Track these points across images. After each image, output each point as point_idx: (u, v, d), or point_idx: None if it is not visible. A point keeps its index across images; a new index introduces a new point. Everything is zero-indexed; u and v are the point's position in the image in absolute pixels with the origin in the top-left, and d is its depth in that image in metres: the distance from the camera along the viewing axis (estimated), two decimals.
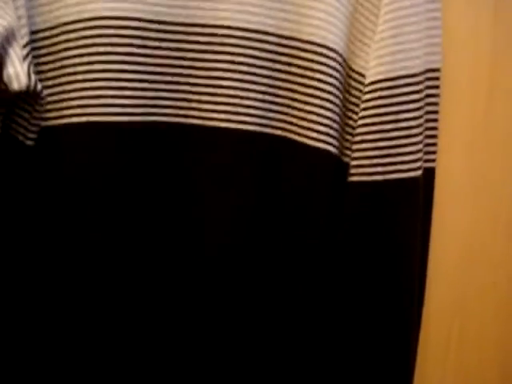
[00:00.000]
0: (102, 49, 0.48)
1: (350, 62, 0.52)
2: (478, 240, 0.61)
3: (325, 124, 0.50)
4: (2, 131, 0.49)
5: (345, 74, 0.51)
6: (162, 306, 0.51)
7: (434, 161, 0.55)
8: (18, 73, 0.46)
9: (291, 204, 0.52)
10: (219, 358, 0.52)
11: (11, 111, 0.49)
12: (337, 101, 0.51)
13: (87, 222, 0.50)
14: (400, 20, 0.49)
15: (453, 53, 0.56)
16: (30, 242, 0.50)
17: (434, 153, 0.54)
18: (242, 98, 0.50)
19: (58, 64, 0.50)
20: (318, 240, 0.52)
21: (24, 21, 0.48)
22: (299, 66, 0.50)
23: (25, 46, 0.48)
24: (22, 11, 0.48)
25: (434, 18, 0.53)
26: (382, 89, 0.49)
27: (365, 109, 0.50)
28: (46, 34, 0.50)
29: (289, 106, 0.51)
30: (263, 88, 0.51)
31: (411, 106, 0.50)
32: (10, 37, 0.46)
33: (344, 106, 0.52)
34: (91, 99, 0.49)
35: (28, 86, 0.47)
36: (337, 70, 0.50)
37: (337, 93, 0.51)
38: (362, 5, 0.51)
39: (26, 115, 0.49)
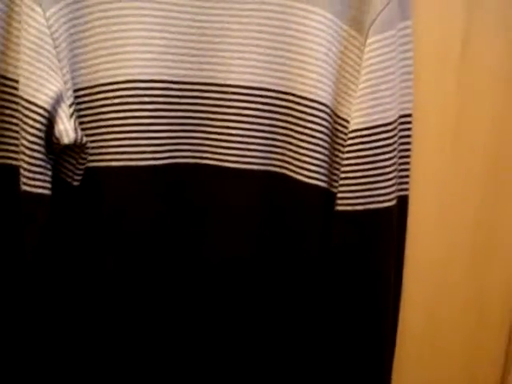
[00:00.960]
0: (133, 106, 0.59)
1: (336, 111, 0.62)
2: (446, 258, 0.73)
3: (315, 164, 0.62)
4: (53, 174, 0.60)
5: (332, 122, 0.62)
6: (179, 313, 0.64)
7: (407, 189, 0.66)
8: (67, 129, 0.57)
9: (289, 228, 0.64)
10: (220, 357, 0.65)
11: (61, 158, 0.61)
12: (325, 144, 0.62)
13: (123, 243, 0.62)
14: (377, 79, 0.59)
15: (422, 99, 0.67)
16: (79, 256, 0.63)
17: (406, 183, 0.66)
18: (247, 143, 0.62)
19: (97, 117, 0.60)
20: (311, 258, 0.63)
21: (69, 84, 0.59)
22: (295, 117, 0.61)
23: (70, 106, 0.58)
24: (68, 77, 0.59)
25: (408, 72, 0.63)
26: (362, 136, 0.60)
27: (348, 151, 0.61)
28: (86, 92, 0.60)
29: (286, 149, 0.62)
30: (265, 134, 0.62)
31: (386, 149, 0.61)
32: (59, 99, 0.57)
33: (332, 146, 0.63)
34: (126, 147, 0.60)
35: (75, 139, 0.58)
36: (325, 120, 0.61)
37: (325, 138, 0.62)
38: (346, 63, 0.62)
39: (73, 161, 0.60)
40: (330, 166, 0.63)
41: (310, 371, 0.65)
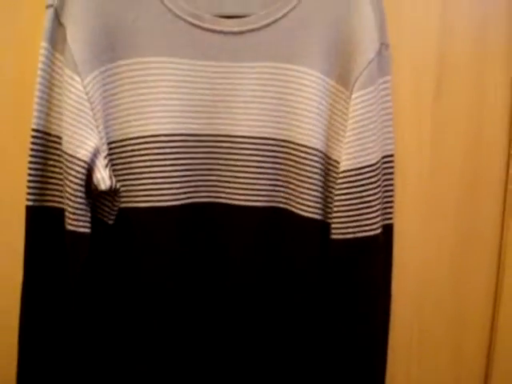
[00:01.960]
0: (157, 156, 0.71)
1: (328, 154, 0.73)
2: (428, 275, 0.84)
3: (312, 200, 0.73)
4: (92, 215, 0.71)
5: (325, 163, 0.73)
6: (203, 321, 0.76)
7: (391, 218, 0.77)
8: (104, 177, 0.69)
9: (292, 254, 0.75)
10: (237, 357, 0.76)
11: (98, 201, 0.72)
12: (320, 183, 0.73)
13: (152, 270, 0.73)
14: (361, 128, 0.70)
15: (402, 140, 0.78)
16: (116, 283, 0.74)
17: (391, 212, 0.77)
18: (254, 184, 0.73)
19: (127, 166, 0.72)
20: (311, 278, 0.74)
21: (104, 139, 0.70)
22: (293, 161, 0.73)
23: (105, 157, 0.70)
24: (102, 133, 0.70)
25: (388, 119, 0.75)
26: (350, 176, 0.71)
27: (339, 189, 0.71)
28: (118, 144, 0.72)
29: (287, 188, 0.74)
30: (269, 176, 0.73)
31: (371, 186, 0.71)
32: (96, 153, 0.69)
33: (326, 184, 0.74)
34: (151, 191, 0.71)
35: (110, 186, 0.69)
36: (319, 163, 0.72)
37: (320, 178, 0.73)
38: (335, 113, 0.73)
39: (108, 203, 0.72)
40: (325, 201, 0.74)
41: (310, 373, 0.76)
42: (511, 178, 0.81)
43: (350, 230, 0.72)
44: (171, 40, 0.71)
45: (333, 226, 0.72)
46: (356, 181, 0.71)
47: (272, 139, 0.73)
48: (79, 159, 0.68)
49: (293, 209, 0.74)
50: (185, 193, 0.73)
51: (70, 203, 0.68)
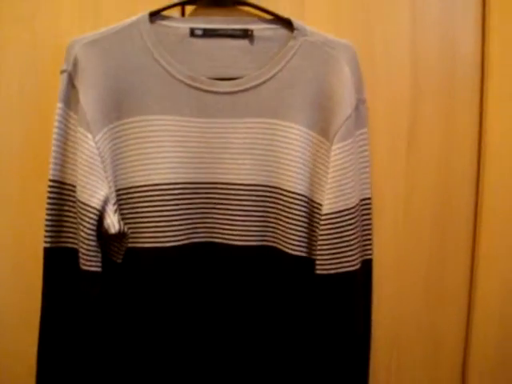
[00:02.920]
0: (159, 203, 0.80)
1: (313, 198, 0.82)
2: (404, 302, 0.92)
3: (298, 240, 0.81)
4: (103, 255, 0.80)
5: (310, 206, 0.82)
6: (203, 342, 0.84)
7: (370, 254, 0.86)
8: (113, 222, 0.78)
9: (280, 287, 0.83)
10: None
11: (108, 242, 0.81)
12: (305, 224, 0.82)
13: (156, 302, 0.82)
14: (340, 176, 0.79)
15: (378, 184, 0.87)
16: (125, 313, 0.82)
17: (370, 249, 0.86)
18: (246, 225, 0.82)
19: (133, 211, 0.81)
20: (299, 308, 0.83)
21: (113, 188, 0.79)
22: (281, 205, 0.82)
23: (114, 204, 0.79)
24: (111, 183, 0.79)
25: (366, 166, 0.84)
26: (331, 218, 0.80)
27: (322, 230, 0.80)
28: (125, 191, 0.81)
29: (276, 229, 0.83)
30: (259, 219, 0.82)
31: (350, 227, 0.80)
32: (106, 200, 0.78)
33: (310, 225, 0.83)
34: (155, 233, 0.80)
35: (119, 229, 0.78)
36: (304, 206, 0.81)
37: (305, 220, 0.82)
38: (318, 161, 0.81)
39: (117, 244, 0.81)
40: (310, 239, 0.83)
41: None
42: (479, 218, 0.90)
43: (333, 266, 0.81)
44: (171, 100, 0.80)
45: (317, 262, 0.81)
46: (336, 222, 0.80)
47: (262, 185, 0.82)
48: (92, 207, 0.76)
49: (281, 247, 0.83)
50: (185, 234, 0.82)
51: (84, 246, 0.77)
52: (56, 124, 0.79)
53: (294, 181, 0.81)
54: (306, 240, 0.83)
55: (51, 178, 0.80)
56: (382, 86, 0.88)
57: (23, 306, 0.89)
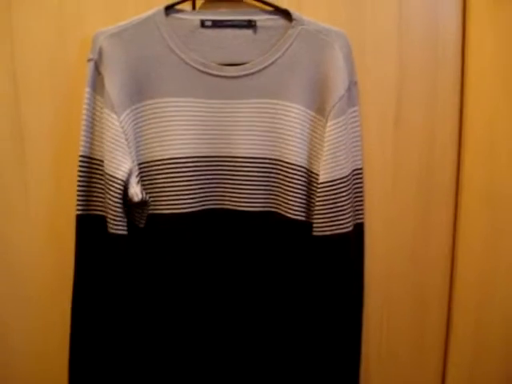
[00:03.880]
0: (176, 174, 0.91)
1: (310, 169, 0.93)
2: (392, 264, 1.04)
3: (297, 205, 0.93)
4: (128, 220, 0.92)
5: (308, 176, 0.93)
6: (211, 306, 0.96)
7: (362, 218, 0.98)
8: (136, 192, 0.90)
9: (281, 247, 0.95)
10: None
11: (132, 209, 0.93)
12: (304, 192, 0.93)
13: (174, 262, 0.94)
14: (335, 149, 0.90)
15: (369, 157, 0.98)
16: (147, 271, 0.94)
17: (361, 213, 0.97)
18: (252, 193, 0.93)
19: (153, 182, 0.92)
20: (297, 266, 0.95)
21: (135, 162, 0.91)
22: (283, 175, 0.93)
23: (137, 176, 0.91)
24: (134, 157, 0.91)
25: (357, 140, 0.95)
26: (326, 186, 0.91)
27: (318, 196, 0.91)
28: (146, 165, 0.92)
29: (278, 196, 0.94)
30: (264, 187, 0.94)
31: (343, 194, 0.91)
32: (130, 173, 0.89)
33: (308, 192, 0.94)
34: (173, 201, 0.92)
35: (142, 198, 0.90)
36: (303, 176, 0.92)
37: (303, 188, 0.93)
38: (315, 137, 0.92)
39: (140, 211, 0.93)
40: (308, 205, 0.94)
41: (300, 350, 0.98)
42: (460, 186, 1.02)
43: (328, 229, 0.92)
44: (185, 84, 0.91)
45: (314, 225, 0.92)
46: (331, 190, 0.91)
47: (265, 158, 0.93)
48: (118, 179, 0.88)
49: (283, 212, 0.94)
50: (198, 201, 0.93)
51: (111, 212, 0.89)
52: (84, 106, 0.90)
53: (294, 154, 0.92)
54: (304, 206, 0.94)
55: (81, 153, 0.91)
56: (371, 70, 0.98)
57: (59, 266, 1.01)
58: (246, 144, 0.93)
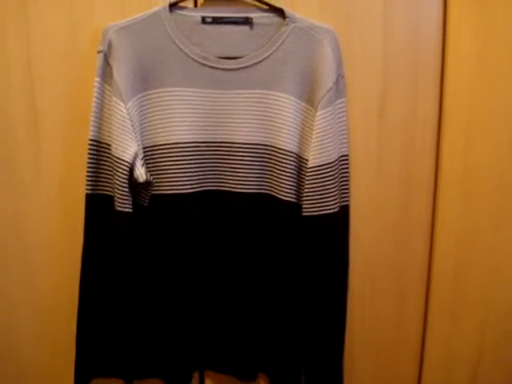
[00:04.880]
0: (177, 158, 1.00)
1: (300, 155, 1.02)
2: (376, 241, 1.13)
3: (288, 188, 1.01)
4: (133, 199, 1.00)
5: (298, 161, 1.02)
6: (210, 274, 1.06)
7: (347, 201, 1.06)
8: (141, 173, 0.98)
9: (273, 226, 1.04)
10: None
11: (137, 189, 1.02)
12: (294, 175, 1.01)
13: (175, 238, 1.03)
14: (323, 137, 0.98)
15: (354, 145, 1.07)
16: (150, 246, 1.03)
17: (346, 196, 1.06)
18: (247, 176, 1.02)
19: (156, 164, 1.01)
20: (288, 242, 1.04)
21: (140, 146, 0.99)
22: (275, 160, 1.01)
23: (142, 159, 0.99)
24: (139, 142, 0.99)
25: (343, 129, 1.03)
26: (314, 170, 0.99)
27: (307, 180, 0.99)
28: (149, 149, 1.01)
29: (271, 179, 1.03)
30: (258, 171, 1.02)
31: (330, 177, 1.00)
32: (136, 156, 0.98)
33: (299, 176, 1.02)
34: (173, 182, 1.01)
35: (146, 179, 0.99)
36: (294, 161, 1.01)
37: (294, 172, 1.01)
38: (305, 125, 1.00)
39: (144, 191, 1.01)
40: (298, 188, 1.03)
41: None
42: (438, 174, 1.10)
43: (316, 209, 1.01)
44: (186, 75, 0.99)
45: (303, 206, 1.01)
46: (319, 174, 0.99)
47: (259, 144, 1.02)
48: (124, 161, 0.96)
49: (275, 194, 1.03)
50: (197, 183, 1.02)
51: (118, 191, 0.97)
52: (94, 95, 0.98)
53: (286, 140, 1.01)
54: (295, 188, 1.03)
55: (91, 138, 1.00)
56: (357, 64, 1.06)
57: (68, 241, 1.10)
58: (241, 131, 1.01)
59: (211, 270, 1.06)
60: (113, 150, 0.97)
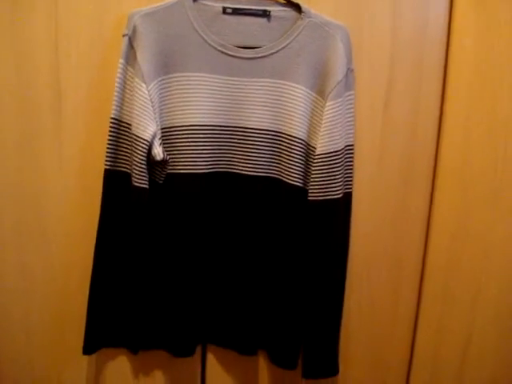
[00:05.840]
0: (193, 139, 1.06)
1: (309, 142, 1.08)
2: (377, 226, 1.20)
3: (296, 173, 1.08)
4: (150, 178, 1.06)
5: (306, 148, 1.08)
6: (215, 259, 1.12)
7: (350, 188, 1.13)
8: (159, 152, 1.04)
9: (281, 208, 1.10)
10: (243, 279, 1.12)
11: (153, 167, 1.07)
12: (302, 161, 1.07)
13: (187, 214, 1.09)
14: (331, 126, 1.04)
15: (359, 136, 1.13)
16: (164, 222, 1.09)
17: (350, 184, 1.12)
18: (258, 160, 1.08)
19: (173, 145, 1.06)
20: (294, 224, 1.10)
21: (159, 126, 1.05)
22: (285, 146, 1.07)
23: (160, 138, 1.05)
24: (158, 122, 1.05)
25: (351, 120, 1.10)
26: (322, 158, 1.05)
27: (314, 166, 1.06)
28: (167, 130, 1.06)
29: (280, 164, 1.09)
30: (268, 155, 1.08)
31: (336, 165, 1.06)
32: (154, 135, 1.03)
33: (306, 162, 1.08)
34: (188, 162, 1.06)
35: (163, 158, 1.04)
36: (302, 148, 1.07)
37: (302, 158, 1.08)
38: (314, 115, 1.07)
39: (160, 169, 1.07)
40: (305, 174, 1.09)
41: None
42: (437, 167, 1.17)
43: (321, 194, 1.07)
44: (206, 61, 1.05)
45: (309, 190, 1.07)
46: (326, 161, 1.06)
47: (271, 131, 1.08)
48: (144, 139, 1.02)
49: (283, 178, 1.09)
50: (211, 164, 1.08)
51: (137, 167, 1.03)
52: (118, 75, 1.03)
53: (296, 128, 1.07)
54: (302, 174, 1.09)
55: (112, 116, 1.05)
56: (366, 59, 1.12)
57: (87, 214, 1.15)
58: (254, 117, 1.07)
59: (218, 247, 1.12)
60: (133, 128, 1.03)
